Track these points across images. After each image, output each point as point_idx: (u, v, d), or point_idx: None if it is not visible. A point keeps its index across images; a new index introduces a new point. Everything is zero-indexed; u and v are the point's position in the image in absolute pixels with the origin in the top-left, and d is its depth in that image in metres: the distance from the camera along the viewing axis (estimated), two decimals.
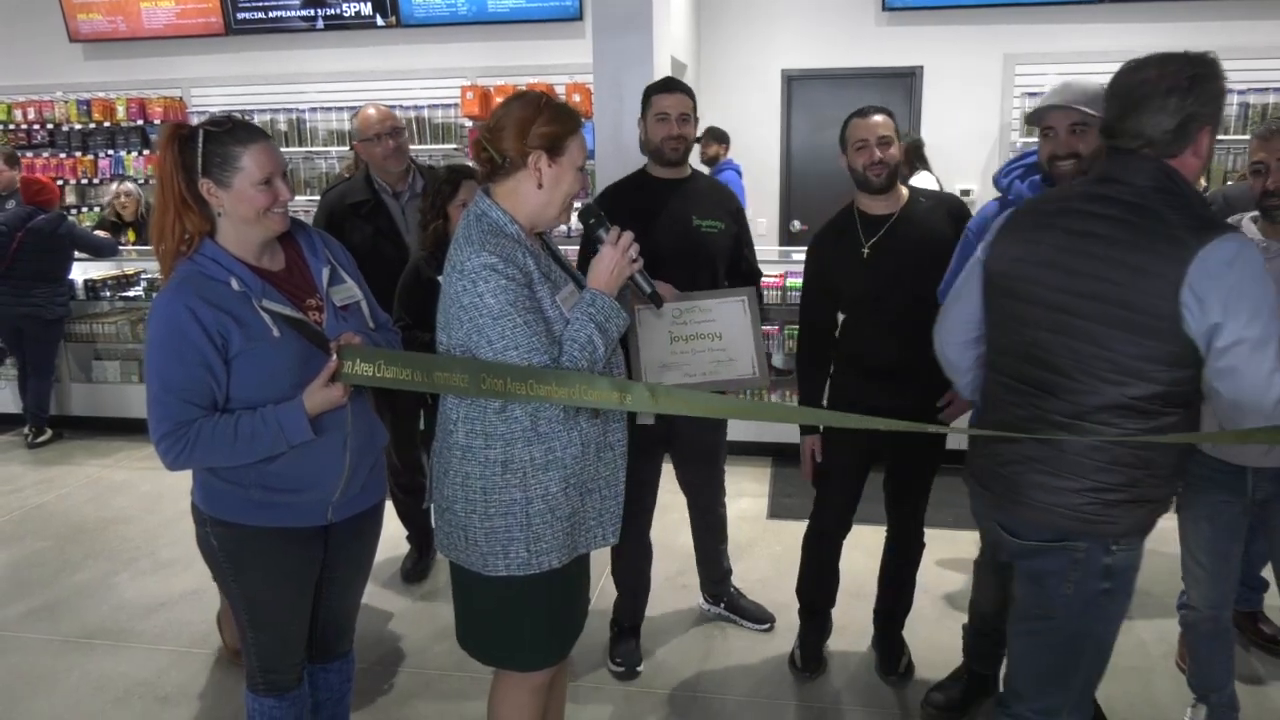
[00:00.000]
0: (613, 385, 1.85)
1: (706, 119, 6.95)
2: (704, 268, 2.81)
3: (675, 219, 2.78)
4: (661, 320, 2.39)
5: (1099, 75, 6.17)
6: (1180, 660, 2.99)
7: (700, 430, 2.93)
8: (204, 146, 1.83)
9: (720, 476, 3.17)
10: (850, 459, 2.77)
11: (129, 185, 6.38)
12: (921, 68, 6.51)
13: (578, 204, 2.04)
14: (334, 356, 1.86)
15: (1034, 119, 2.32)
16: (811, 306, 2.81)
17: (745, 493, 4.48)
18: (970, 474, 2.00)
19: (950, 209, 2.68)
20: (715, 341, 2.39)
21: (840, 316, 2.75)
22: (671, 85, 2.84)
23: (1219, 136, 5.80)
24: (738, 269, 2.93)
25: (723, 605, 3.29)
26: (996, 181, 2.49)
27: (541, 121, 1.85)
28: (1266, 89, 5.95)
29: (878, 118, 2.59)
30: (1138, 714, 2.76)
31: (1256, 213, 2.33)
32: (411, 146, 3.74)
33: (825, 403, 2.82)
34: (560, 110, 1.89)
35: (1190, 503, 2.44)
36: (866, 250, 2.61)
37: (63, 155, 7.42)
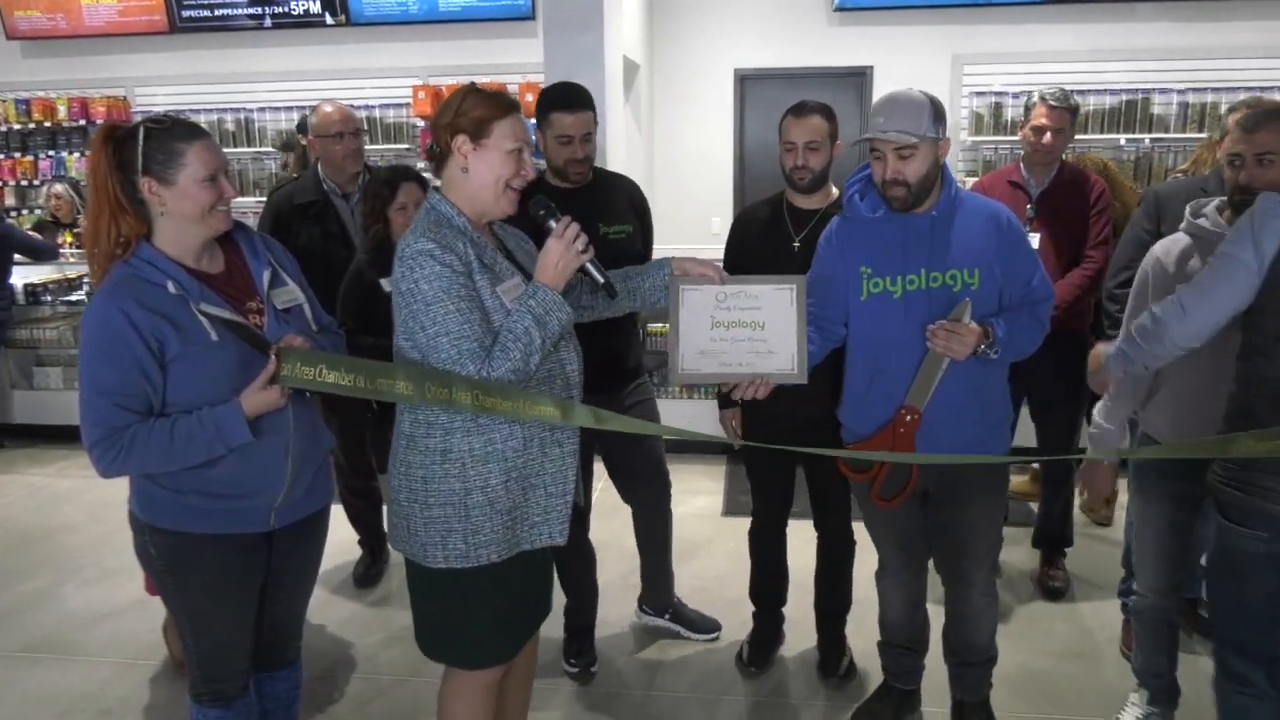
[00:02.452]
0: (555, 405, 1.89)
1: (659, 119, 6.97)
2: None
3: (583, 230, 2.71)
4: (705, 303, 2.26)
5: (1048, 74, 6.25)
6: (1125, 646, 3.06)
7: (630, 440, 2.84)
8: (145, 144, 1.80)
9: (665, 485, 3.10)
10: (769, 450, 2.77)
11: (59, 187, 6.21)
12: (872, 68, 6.58)
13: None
14: (272, 358, 1.83)
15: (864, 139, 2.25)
16: None
17: (700, 491, 4.50)
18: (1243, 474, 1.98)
19: None
20: (757, 331, 2.24)
21: None
22: (572, 101, 2.68)
23: (1160, 135, 5.86)
24: None
25: (667, 616, 3.23)
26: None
27: (466, 106, 1.88)
28: (1204, 89, 6.10)
29: (812, 120, 2.59)
30: (1086, 701, 2.82)
31: (1219, 200, 2.32)
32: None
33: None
34: (488, 96, 1.91)
35: (1149, 488, 2.47)
36: (798, 244, 2.61)
37: (1, 156, 7.23)
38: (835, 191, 2.70)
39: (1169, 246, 2.38)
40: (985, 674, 2.57)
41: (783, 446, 2.34)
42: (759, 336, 2.24)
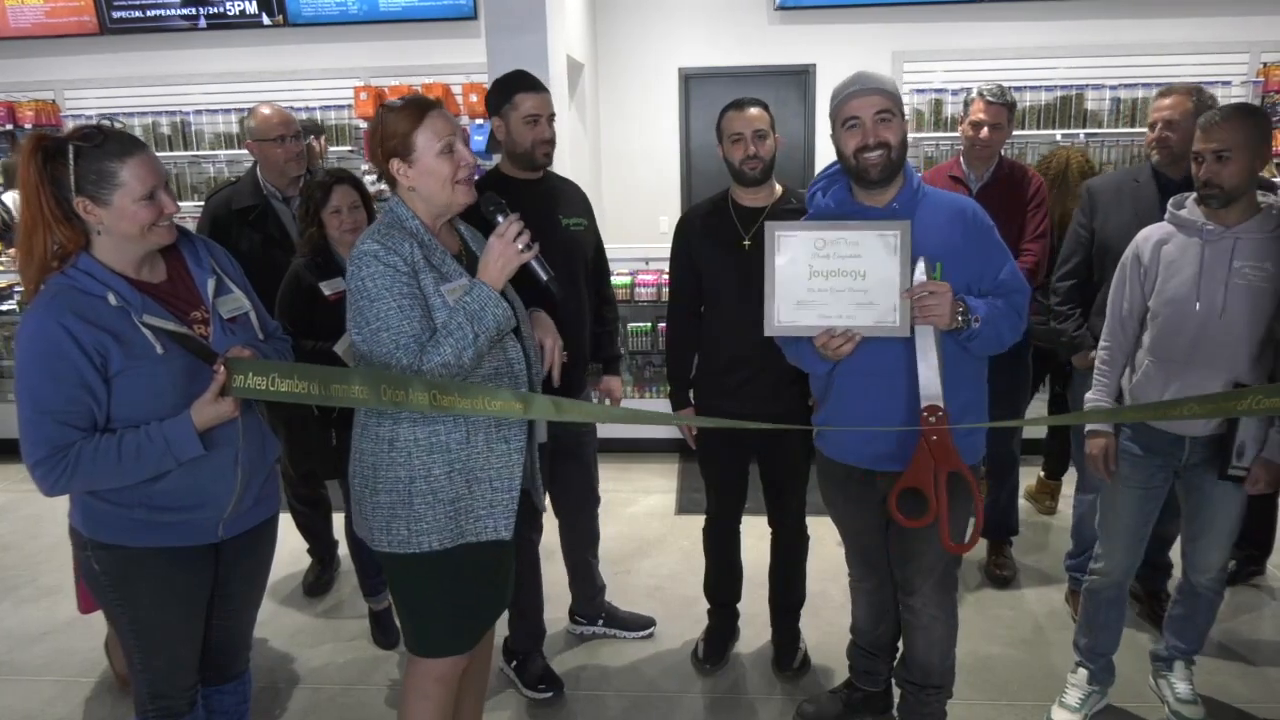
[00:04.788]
0: (515, 397, 1.89)
1: (605, 119, 6.97)
2: (580, 266, 2.78)
3: (545, 220, 2.65)
4: (804, 250, 2.12)
5: (987, 71, 6.36)
6: (1075, 614, 3.13)
7: (568, 454, 2.84)
8: (76, 163, 1.72)
9: (595, 500, 3.10)
10: (723, 444, 2.78)
11: None
12: (814, 65, 6.65)
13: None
14: (219, 369, 1.79)
15: (835, 112, 2.17)
16: (683, 287, 2.78)
17: (653, 489, 4.51)
18: None
19: None
20: (858, 280, 2.10)
21: (703, 309, 2.75)
22: (534, 82, 2.67)
23: (1094, 130, 6.00)
24: (597, 266, 2.95)
25: (600, 623, 3.22)
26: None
27: (383, 134, 1.93)
28: (1135, 84, 6.26)
29: (753, 110, 2.60)
30: (1033, 685, 2.88)
31: (1194, 194, 2.39)
32: None
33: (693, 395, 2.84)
34: (400, 109, 1.93)
35: (1123, 476, 2.50)
36: (748, 242, 2.61)
37: None
38: (779, 188, 2.72)
39: (1148, 234, 2.46)
40: (931, 703, 2.46)
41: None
42: (859, 286, 2.11)
